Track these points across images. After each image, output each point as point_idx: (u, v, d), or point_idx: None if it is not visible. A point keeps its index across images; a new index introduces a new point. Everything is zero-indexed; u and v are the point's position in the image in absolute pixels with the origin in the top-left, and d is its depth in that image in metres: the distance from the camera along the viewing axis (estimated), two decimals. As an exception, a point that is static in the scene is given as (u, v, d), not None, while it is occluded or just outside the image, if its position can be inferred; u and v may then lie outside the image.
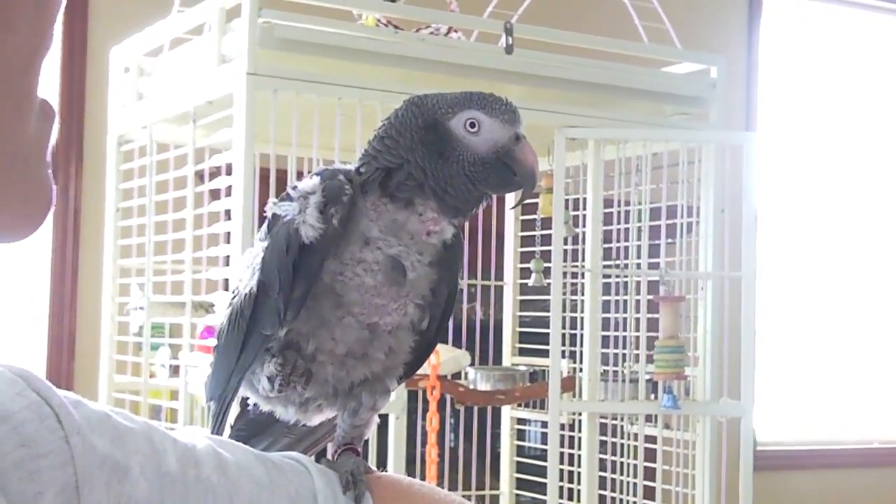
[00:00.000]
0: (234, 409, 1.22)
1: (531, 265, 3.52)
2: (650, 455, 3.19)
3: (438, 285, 1.11)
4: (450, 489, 3.76)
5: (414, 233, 1.07)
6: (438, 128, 1.06)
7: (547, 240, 3.24)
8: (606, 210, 3.30)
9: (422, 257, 1.08)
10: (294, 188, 1.08)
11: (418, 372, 2.98)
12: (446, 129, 1.06)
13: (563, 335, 3.17)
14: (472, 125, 1.05)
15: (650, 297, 3.10)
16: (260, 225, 1.31)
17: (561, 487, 3.23)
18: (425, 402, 3.10)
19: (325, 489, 0.94)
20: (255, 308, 1.09)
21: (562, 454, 3.27)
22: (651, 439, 3.19)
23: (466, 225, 1.16)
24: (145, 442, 0.82)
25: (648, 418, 3.24)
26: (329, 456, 1.12)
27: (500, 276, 3.77)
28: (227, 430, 1.19)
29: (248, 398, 1.17)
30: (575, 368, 3.36)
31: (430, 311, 1.12)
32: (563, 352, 3.22)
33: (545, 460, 3.13)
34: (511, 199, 3.68)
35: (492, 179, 1.07)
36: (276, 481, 0.91)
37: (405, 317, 1.10)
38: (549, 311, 3.07)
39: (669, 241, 3.15)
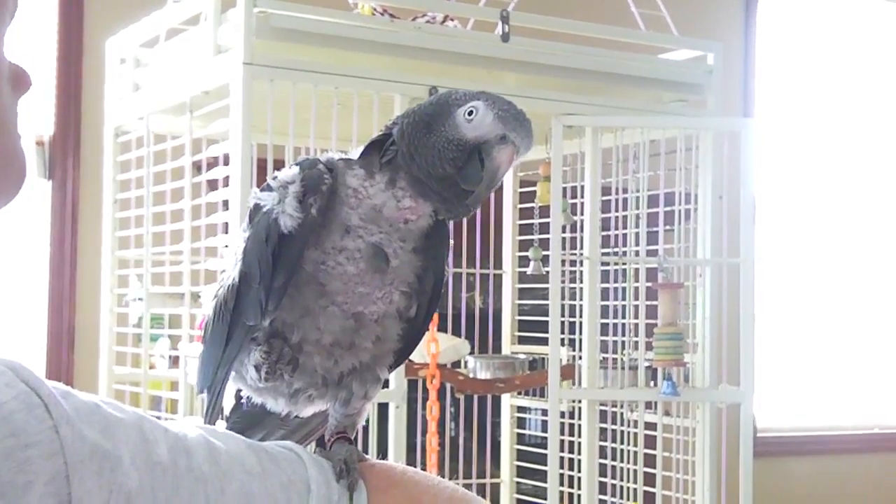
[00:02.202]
0: (230, 402, 1.22)
1: (530, 253, 3.52)
2: (650, 442, 3.19)
3: (424, 273, 1.11)
4: (450, 478, 3.75)
5: (391, 220, 1.07)
6: (443, 109, 1.08)
7: (545, 228, 3.24)
8: (604, 197, 3.29)
9: (404, 244, 1.08)
10: (274, 178, 1.09)
11: (418, 361, 3.01)
12: (448, 111, 1.07)
13: (563, 323, 3.17)
14: (470, 113, 1.06)
15: (649, 284, 3.10)
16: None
17: (561, 475, 3.24)
18: (425, 390, 3.10)
19: (318, 477, 0.94)
20: (238, 299, 1.09)
21: (562, 442, 3.27)
22: (651, 426, 3.19)
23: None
24: (136, 432, 0.82)
25: (648, 405, 3.25)
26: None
27: (498, 265, 3.77)
28: (221, 422, 1.19)
29: (240, 390, 1.17)
30: (574, 356, 3.36)
31: (417, 298, 1.12)
32: (563, 339, 3.22)
33: (545, 448, 3.13)
34: (508, 192, 3.70)
35: (459, 164, 1.06)
36: (268, 470, 0.91)
37: (391, 305, 1.10)
38: (548, 299, 3.07)
39: (668, 228, 3.15)
